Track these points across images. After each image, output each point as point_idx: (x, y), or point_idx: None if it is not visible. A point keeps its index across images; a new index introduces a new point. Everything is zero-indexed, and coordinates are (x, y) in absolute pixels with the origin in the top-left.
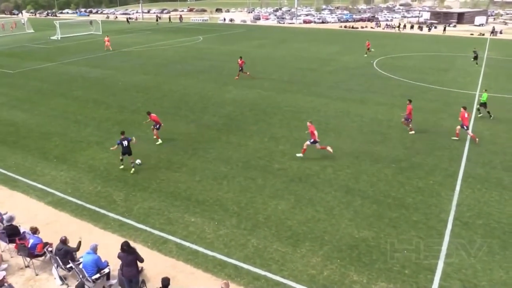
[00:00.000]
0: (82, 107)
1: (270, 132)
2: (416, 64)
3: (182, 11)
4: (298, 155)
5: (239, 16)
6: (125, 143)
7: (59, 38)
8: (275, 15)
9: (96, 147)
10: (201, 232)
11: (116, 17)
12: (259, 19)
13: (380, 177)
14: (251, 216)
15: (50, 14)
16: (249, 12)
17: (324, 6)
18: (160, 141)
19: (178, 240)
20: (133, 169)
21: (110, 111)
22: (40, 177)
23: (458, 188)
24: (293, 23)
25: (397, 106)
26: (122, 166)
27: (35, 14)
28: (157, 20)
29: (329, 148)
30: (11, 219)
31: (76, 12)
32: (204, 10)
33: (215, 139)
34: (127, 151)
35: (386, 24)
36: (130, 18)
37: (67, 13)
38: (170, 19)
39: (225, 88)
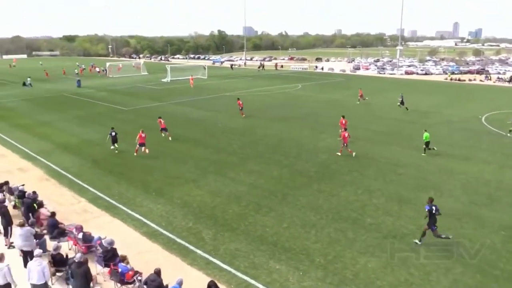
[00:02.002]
0: (182, 145)
1: (364, 183)
2: None
3: (283, 59)
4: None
5: (339, 66)
6: (113, 133)
7: (169, 81)
8: (376, 66)
9: (192, 184)
10: (285, 281)
11: (222, 63)
12: (359, 69)
13: (486, 244)
14: (338, 271)
15: (163, 59)
16: (348, 62)
17: (428, 57)
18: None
19: (261, 286)
20: (116, 151)
21: (208, 151)
22: (139, 207)
23: None
24: (394, 74)
25: (508, 166)
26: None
27: (151, 58)
28: (259, 68)
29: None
30: (111, 242)
31: (186, 57)
32: (304, 59)
33: (306, 186)
34: (115, 140)
35: (498, 77)
36: (234, 64)
37: (178, 58)
38: (276, 66)
39: (320, 136)
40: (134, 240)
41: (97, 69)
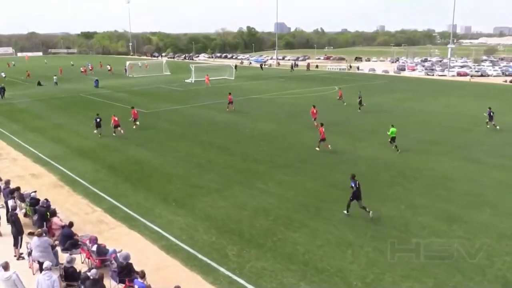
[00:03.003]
0: (206, 151)
1: (408, 199)
2: None
3: (318, 59)
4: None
5: (381, 66)
6: (97, 120)
7: (193, 81)
8: (423, 66)
9: (216, 195)
10: None
11: (250, 63)
12: (404, 70)
13: None
14: None
15: (187, 58)
16: (392, 62)
17: (484, 57)
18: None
19: None
20: (100, 135)
21: (233, 158)
22: (158, 219)
23: None
24: (445, 75)
25: None
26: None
27: (174, 57)
28: (292, 67)
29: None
30: (127, 257)
31: (212, 56)
32: (342, 59)
33: (342, 200)
34: (99, 125)
35: None
36: (264, 64)
37: (203, 57)
38: (308, 67)
39: (359, 144)
40: (152, 254)
41: (108, 67)
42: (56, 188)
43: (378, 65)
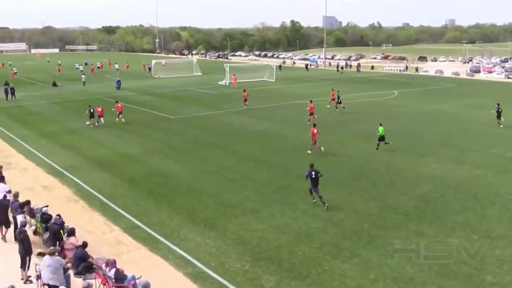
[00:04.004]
0: (241, 165)
1: (483, 227)
2: None
3: (374, 58)
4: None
5: (450, 67)
6: (91, 110)
7: (227, 84)
8: (503, 67)
9: (251, 216)
10: None
11: (294, 62)
12: (479, 71)
13: None
14: None
15: (221, 56)
16: (464, 62)
17: None
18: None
19: None
20: (92, 125)
21: (273, 172)
22: (183, 241)
23: None
24: None
25: None
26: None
27: (206, 56)
28: (342, 68)
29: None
30: (147, 285)
31: (250, 55)
32: (403, 58)
33: (401, 226)
34: (92, 116)
35: None
36: (309, 64)
37: (240, 55)
38: (358, 68)
39: (422, 159)
40: (176, 282)
41: (116, 66)
42: (70, 202)
43: (447, 66)
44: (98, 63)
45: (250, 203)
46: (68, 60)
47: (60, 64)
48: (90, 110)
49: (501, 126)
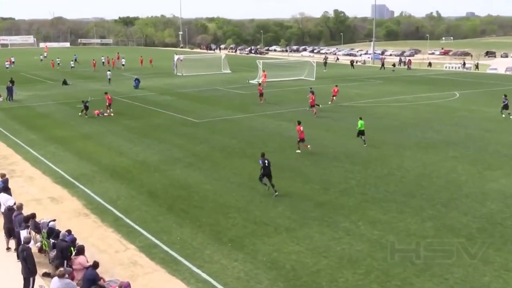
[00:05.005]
0: (274, 176)
1: None
2: None
3: (432, 53)
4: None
5: None
6: (86, 103)
7: (259, 82)
8: None
9: (285, 235)
10: None
11: (337, 58)
12: None
13: None
14: None
15: (253, 51)
16: None
17: None
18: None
19: None
20: (86, 115)
21: (311, 186)
22: (208, 264)
23: None
24: None
25: None
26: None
27: (236, 51)
28: (394, 65)
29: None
30: None
31: (286, 49)
32: (467, 54)
33: (462, 251)
34: (86, 108)
35: None
36: (355, 61)
37: (275, 50)
38: (409, 65)
39: (489, 173)
40: None
41: (122, 61)
42: (80, 216)
43: None
44: (102, 58)
45: (285, 221)
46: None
47: (59, 64)
48: (85, 104)
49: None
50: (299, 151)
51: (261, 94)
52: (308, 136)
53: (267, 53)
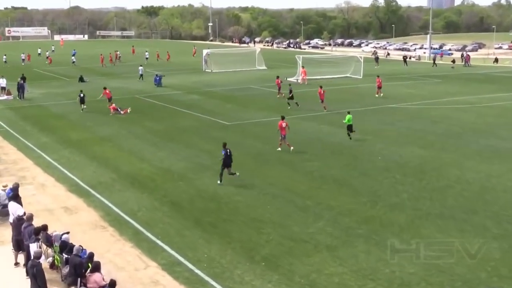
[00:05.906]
0: (314, 187)
1: None
2: None
3: (499, 48)
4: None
5: None
6: (81, 95)
7: (298, 81)
8: None
9: (326, 254)
10: None
11: (388, 53)
12: None
13: None
14: None
15: (292, 45)
16: None
17: None
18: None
19: None
20: (82, 110)
21: (357, 199)
22: (238, 285)
23: None
24: None
25: None
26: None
27: (272, 44)
28: (453, 62)
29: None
30: None
31: (330, 43)
32: None
33: None
34: (83, 101)
35: None
36: (409, 56)
37: (317, 44)
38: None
39: None
40: None
41: (146, 55)
42: (97, 229)
43: None
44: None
45: (326, 238)
46: (101, 49)
47: (74, 62)
48: (80, 95)
49: None
50: (279, 149)
51: (279, 88)
52: (356, 142)
53: (304, 48)
